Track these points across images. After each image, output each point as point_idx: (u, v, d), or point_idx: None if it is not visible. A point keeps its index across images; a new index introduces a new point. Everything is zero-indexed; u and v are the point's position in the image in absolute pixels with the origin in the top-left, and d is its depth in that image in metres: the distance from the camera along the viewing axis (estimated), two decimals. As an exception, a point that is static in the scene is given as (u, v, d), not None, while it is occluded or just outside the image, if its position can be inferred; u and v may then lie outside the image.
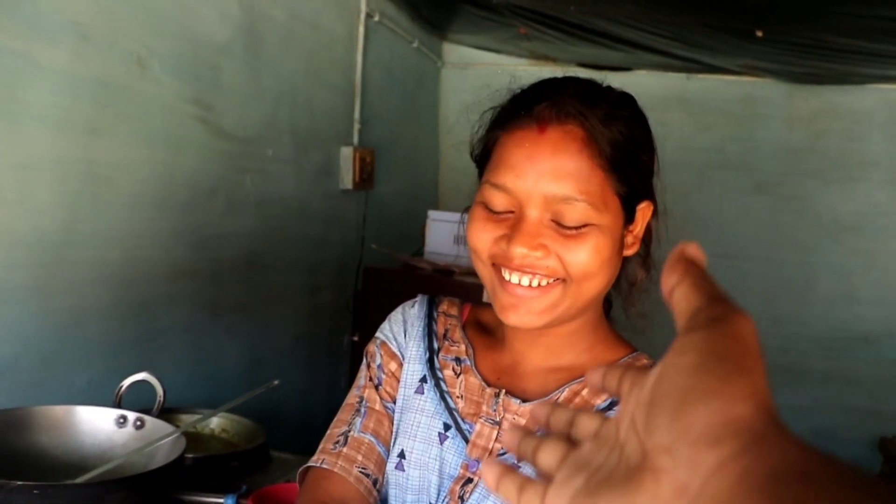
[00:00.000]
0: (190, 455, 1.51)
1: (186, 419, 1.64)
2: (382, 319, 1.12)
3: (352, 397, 1.06)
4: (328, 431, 1.05)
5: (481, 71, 4.31)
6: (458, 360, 1.01)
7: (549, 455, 0.44)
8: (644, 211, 0.95)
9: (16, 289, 1.68)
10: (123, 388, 1.42)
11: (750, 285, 4.21)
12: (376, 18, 3.39)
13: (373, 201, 3.45)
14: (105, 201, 1.90)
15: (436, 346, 1.03)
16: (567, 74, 0.96)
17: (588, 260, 0.87)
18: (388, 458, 1.01)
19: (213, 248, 2.37)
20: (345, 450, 1.00)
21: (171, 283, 2.17)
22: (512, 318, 0.91)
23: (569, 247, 0.87)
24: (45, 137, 1.71)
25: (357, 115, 3.29)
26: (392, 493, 0.99)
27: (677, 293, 0.38)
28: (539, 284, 0.89)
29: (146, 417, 1.33)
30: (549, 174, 0.86)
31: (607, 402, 0.93)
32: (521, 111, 0.90)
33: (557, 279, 0.89)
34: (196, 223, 2.27)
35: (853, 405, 4.16)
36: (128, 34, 1.93)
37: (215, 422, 1.76)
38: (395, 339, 1.06)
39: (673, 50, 3.71)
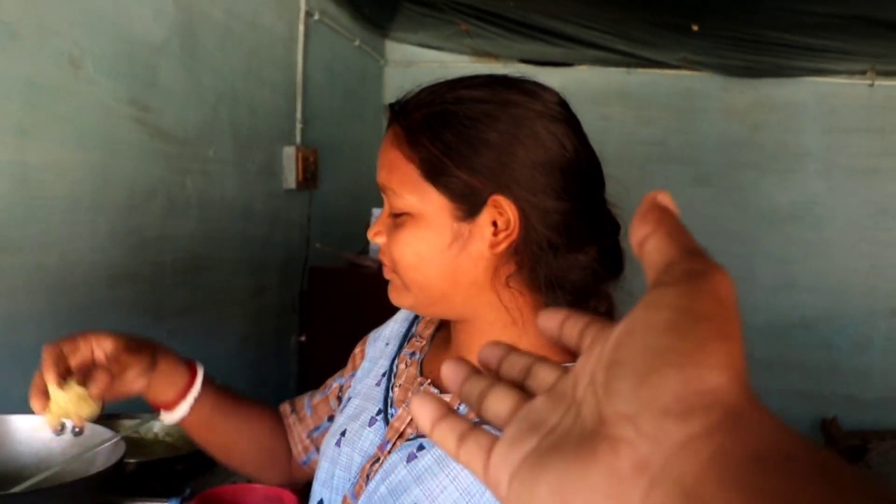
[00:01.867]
0: (132, 460, 1.48)
1: (129, 424, 1.61)
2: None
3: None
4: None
5: (424, 69, 4.31)
6: (412, 354, 1.07)
7: (498, 404, 0.38)
8: (498, 203, 0.88)
9: (-55, 296, 1.63)
10: (60, 394, 1.38)
11: (693, 276, 4.28)
12: (316, 17, 3.37)
13: (317, 201, 3.42)
14: (38, 205, 1.86)
15: (405, 344, 1.10)
16: (508, 70, 0.98)
17: (401, 248, 0.92)
18: (316, 427, 1.17)
19: (154, 250, 2.33)
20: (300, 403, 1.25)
21: (110, 287, 2.12)
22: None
23: (392, 235, 0.93)
24: (-28, 140, 1.66)
25: (299, 114, 3.26)
26: (325, 466, 1.04)
27: (649, 244, 0.34)
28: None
29: (85, 424, 1.29)
30: (379, 167, 0.96)
31: None
32: None
33: (389, 268, 0.96)
34: (135, 226, 2.22)
35: (795, 389, 4.27)
36: (59, 33, 1.88)
37: (158, 426, 1.73)
38: (379, 337, 1.16)
39: (613, 45, 3.75)
